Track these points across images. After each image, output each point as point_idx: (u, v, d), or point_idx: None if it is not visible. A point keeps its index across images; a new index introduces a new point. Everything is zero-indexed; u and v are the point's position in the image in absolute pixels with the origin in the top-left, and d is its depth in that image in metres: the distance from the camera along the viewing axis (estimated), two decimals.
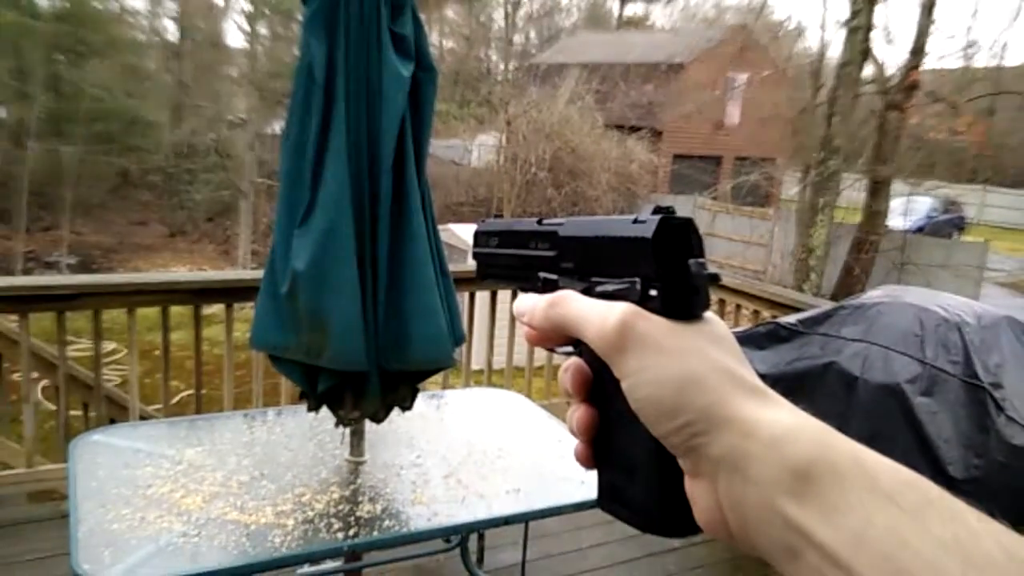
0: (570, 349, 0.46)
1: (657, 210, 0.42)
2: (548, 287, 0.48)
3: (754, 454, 0.37)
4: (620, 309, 0.41)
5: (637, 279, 0.42)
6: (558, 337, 0.45)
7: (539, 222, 0.51)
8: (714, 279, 0.42)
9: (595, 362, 0.43)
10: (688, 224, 0.41)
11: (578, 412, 0.44)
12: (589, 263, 0.45)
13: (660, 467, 0.41)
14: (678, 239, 0.41)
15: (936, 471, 2.37)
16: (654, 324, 0.40)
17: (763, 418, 0.38)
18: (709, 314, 0.42)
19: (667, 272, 0.40)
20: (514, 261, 0.53)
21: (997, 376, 2.56)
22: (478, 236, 0.59)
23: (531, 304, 0.46)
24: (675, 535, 0.42)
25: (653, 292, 0.41)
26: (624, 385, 0.40)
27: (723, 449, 0.37)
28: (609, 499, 0.45)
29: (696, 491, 0.40)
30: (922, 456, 2.43)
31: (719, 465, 0.38)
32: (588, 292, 0.45)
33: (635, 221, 0.42)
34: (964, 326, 2.68)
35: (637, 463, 0.43)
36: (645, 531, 0.44)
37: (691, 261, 0.41)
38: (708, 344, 0.40)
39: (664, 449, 0.40)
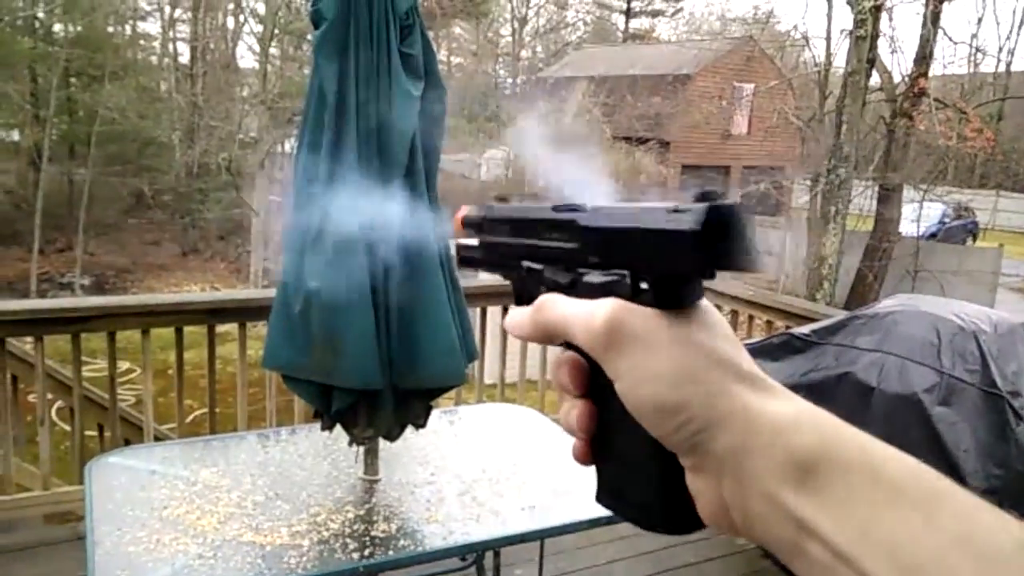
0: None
1: (702, 196, 0.36)
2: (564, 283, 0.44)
3: (757, 447, 0.35)
4: (607, 307, 0.39)
5: (627, 271, 0.39)
6: (550, 342, 0.43)
7: (555, 208, 0.45)
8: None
9: (590, 357, 0.41)
10: (738, 210, 0.36)
11: (576, 409, 0.43)
12: (620, 257, 0.40)
13: (661, 463, 0.39)
14: (727, 227, 0.36)
15: (955, 482, 2.34)
16: (643, 318, 0.38)
17: (765, 409, 0.36)
18: (702, 301, 0.40)
19: (717, 266, 0.36)
20: (527, 252, 0.47)
21: (1015, 384, 2.53)
22: (487, 223, 0.52)
23: (520, 317, 0.44)
24: (677, 532, 0.41)
25: (644, 285, 0.38)
26: (618, 387, 0.38)
27: (726, 444, 0.36)
28: (609, 496, 0.43)
29: (699, 486, 0.38)
30: (941, 467, 2.37)
31: (723, 461, 0.36)
32: (575, 283, 0.42)
33: (675, 211, 0.37)
34: (981, 334, 2.66)
35: (637, 459, 0.41)
36: (647, 528, 0.42)
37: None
38: (701, 333, 0.38)
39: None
